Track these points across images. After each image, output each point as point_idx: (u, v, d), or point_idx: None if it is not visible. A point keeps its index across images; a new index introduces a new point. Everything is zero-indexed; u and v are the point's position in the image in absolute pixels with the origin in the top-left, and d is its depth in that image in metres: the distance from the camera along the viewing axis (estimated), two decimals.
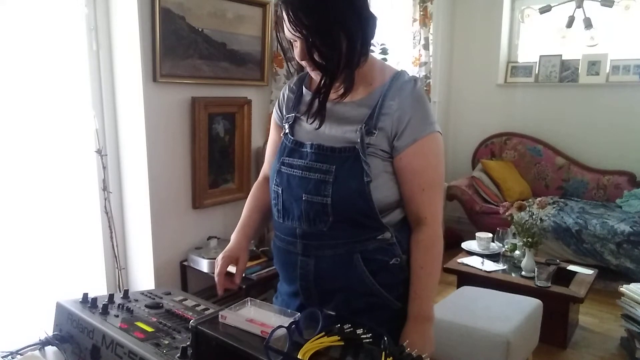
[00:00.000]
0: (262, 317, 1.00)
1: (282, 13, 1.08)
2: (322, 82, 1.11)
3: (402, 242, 1.19)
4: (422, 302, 1.17)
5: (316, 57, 1.08)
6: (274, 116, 1.34)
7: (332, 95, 1.14)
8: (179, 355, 1.02)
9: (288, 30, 1.08)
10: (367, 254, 1.16)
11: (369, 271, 1.16)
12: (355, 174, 1.11)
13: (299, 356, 0.86)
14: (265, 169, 1.39)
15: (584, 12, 3.85)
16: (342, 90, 1.13)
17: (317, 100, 1.14)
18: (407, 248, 1.20)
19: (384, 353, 0.85)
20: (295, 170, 1.18)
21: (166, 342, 1.09)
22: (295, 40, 1.10)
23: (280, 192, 1.21)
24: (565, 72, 4.51)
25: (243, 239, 1.31)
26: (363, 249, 1.15)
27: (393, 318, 1.19)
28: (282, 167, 1.21)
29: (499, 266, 3.00)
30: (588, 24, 3.81)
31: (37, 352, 1.22)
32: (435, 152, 1.16)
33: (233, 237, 1.31)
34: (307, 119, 1.18)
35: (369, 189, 1.11)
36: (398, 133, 1.13)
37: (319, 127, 1.16)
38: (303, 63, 1.13)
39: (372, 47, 1.19)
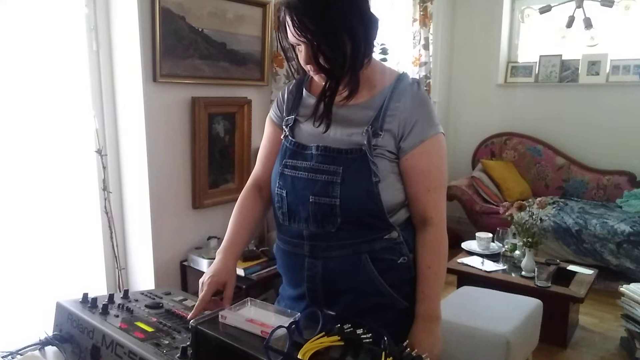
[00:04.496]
0: (262, 317, 1.00)
1: (285, 18, 1.07)
2: (327, 85, 1.11)
3: (408, 241, 1.19)
4: (430, 302, 1.17)
5: (321, 61, 1.08)
6: (272, 115, 1.32)
7: (336, 98, 1.14)
8: (179, 355, 1.02)
9: (292, 35, 1.08)
10: (375, 254, 1.16)
11: (377, 271, 1.16)
12: (363, 174, 1.12)
13: (299, 356, 0.86)
14: (258, 171, 1.34)
15: (584, 12, 3.86)
16: (346, 93, 1.13)
17: (322, 104, 1.13)
18: (414, 247, 1.20)
19: (384, 353, 0.85)
20: (301, 173, 1.17)
21: (166, 342, 1.09)
22: (300, 45, 1.10)
23: (284, 194, 1.20)
24: (565, 72, 4.51)
25: (230, 259, 1.21)
26: (371, 248, 1.16)
27: (399, 318, 1.19)
28: (285, 169, 1.20)
29: (499, 266, 3.00)
30: (588, 24, 3.82)
31: (37, 352, 1.22)
32: (440, 153, 1.17)
33: (219, 256, 1.22)
34: (314, 123, 1.17)
35: (378, 189, 1.12)
36: (404, 134, 1.13)
37: (326, 130, 1.16)
38: (308, 67, 1.12)
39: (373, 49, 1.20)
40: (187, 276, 2.58)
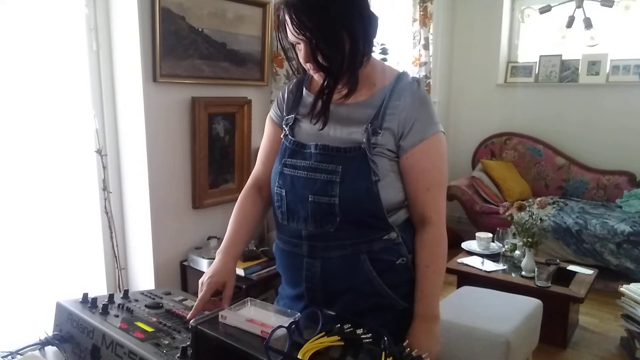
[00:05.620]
0: (262, 317, 1.00)
1: (284, 16, 1.07)
2: (325, 83, 1.11)
3: (407, 242, 1.19)
4: (428, 301, 1.17)
5: (320, 59, 1.08)
6: (272, 115, 1.33)
7: (335, 97, 1.14)
8: (179, 355, 1.02)
9: (291, 33, 1.08)
10: (374, 254, 1.16)
11: (375, 271, 1.16)
12: (362, 173, 1.11)
13: (299, 356, 0.86)
14: (258, 171, 1.34)
15: (584, 12, 3.86)
16: (345, 91, 1.13)
17: (320, 102, 1.13)
18: (412, 248, 1.20)
19: (384, 353, 0.85)
20: (300, 172, 1.17)
21: (166, 342, 1.09)
22: (299, 43, 1.10)
23: (284, 194, 1.19)
24: (565, 72, 4.51)
25: (230, 260, 1.22)
26: (369, 249, 1.15)
27: (398, 318, 1.19)
28: (284, 168, 1.20)
29: (499, 266, 3.00)
30: (588, 24, 3.82)
31: (37, 352, 1.22)
32: (440, 152, 1.17)
33: (219, 257, 1.22)
34: (311, 120, 1.17)
35: (377, 188, 1.11)
36: (404, 133, 1.13)
37: (322, 128, 1.16)
38: (307, 66, 1.12)
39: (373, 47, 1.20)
40: (187, 276, 2.58)
